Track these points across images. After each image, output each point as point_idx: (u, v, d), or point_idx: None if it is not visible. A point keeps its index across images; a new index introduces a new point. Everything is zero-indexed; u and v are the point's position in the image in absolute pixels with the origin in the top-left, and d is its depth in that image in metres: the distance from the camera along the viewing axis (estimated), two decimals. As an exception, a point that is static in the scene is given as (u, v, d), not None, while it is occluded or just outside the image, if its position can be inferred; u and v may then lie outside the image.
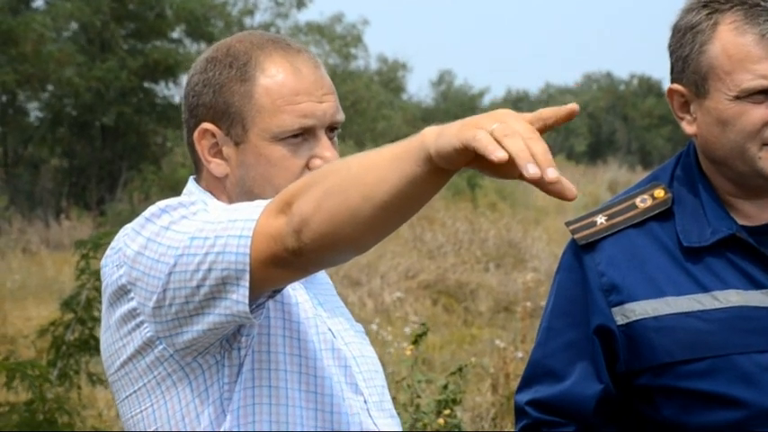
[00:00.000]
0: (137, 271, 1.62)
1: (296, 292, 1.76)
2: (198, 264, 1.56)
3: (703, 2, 1.95)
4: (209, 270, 1.55)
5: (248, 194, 1.73)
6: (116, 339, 1.68)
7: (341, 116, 1.76)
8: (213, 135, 1.75)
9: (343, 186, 1.45)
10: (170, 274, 1.58)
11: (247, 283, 1.53)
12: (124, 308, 1.66)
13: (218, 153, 1.76)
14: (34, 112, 20.60)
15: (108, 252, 1.69)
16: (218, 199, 1.77)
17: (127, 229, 1.68)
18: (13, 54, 17.69)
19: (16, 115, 19.88)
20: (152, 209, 1.66)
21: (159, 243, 1.61)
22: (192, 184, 1.82)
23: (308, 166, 1.72)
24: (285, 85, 1.73)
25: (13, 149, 20.06)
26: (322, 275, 1.88)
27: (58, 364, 5.47)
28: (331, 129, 1.75)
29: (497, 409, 6.79)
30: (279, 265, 1.52)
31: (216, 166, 1.76)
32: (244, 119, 1.73)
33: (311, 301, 1.78)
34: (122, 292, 1.65)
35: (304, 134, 1.73)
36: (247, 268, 1.52)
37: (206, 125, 1.75)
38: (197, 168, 1.82)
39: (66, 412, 5.04)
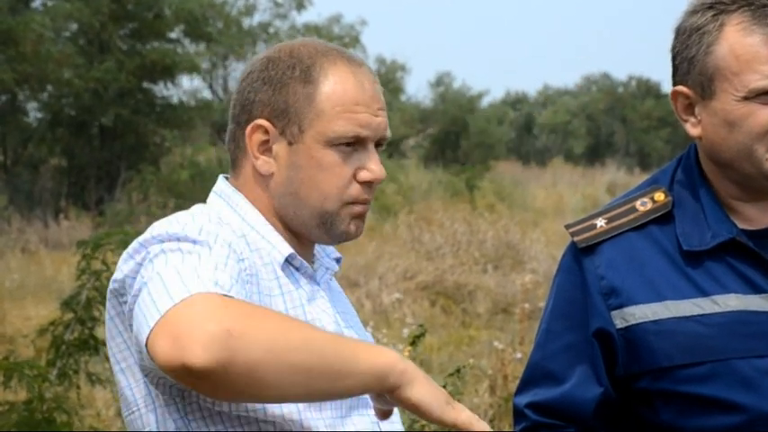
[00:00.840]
0: (128, 295, 1.65)
1: (320, 301, 1.79)
2: (138, 311, 1.58)
3: (708, 3, 1.94)
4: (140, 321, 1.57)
5: (293, 195, 1.76)
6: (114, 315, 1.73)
7: (389, 133, 1.81)
8: (266, 132, 1.76)
9: (291, 360, 1.47)
10: (133, 302, 1.61)
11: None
12: (122, 306, 1.69)
13: (267, 150, 1.77)
14: (33, 112, 20.60)
15: (126, 256, 1.68)
16: (252, 198, 1.79)
17: (138, 252, 1.66)
18: (12, 54, 17.67)
19: (15, 115, 19.86)
20: (146, 235, 1.66)
21: (147, 297, 1.57)
22: (222, 183, 1.82)
23: (354, 177, 1.76)
24: (347, 93, 1.76)
25: (13, 149, 20.05)
26: (337, 284, 1.92)
27: (58, 364, 5.48)
28: (378, 144, 1.80)
29: (495, 411, 6.79)
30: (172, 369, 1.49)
31: (263, 163, 1.77)
32: (301, 120, 1.75)
33: (332, 309, 1.81)
34: (116, 294, 1.70)
35: (356, 144, 1.76)
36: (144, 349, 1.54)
37: (261, 121, 1.76)
38: (234, 165, 1.82)
39: (65, 412, 5.04)
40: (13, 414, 5.06)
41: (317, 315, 1.76)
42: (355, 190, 1.78)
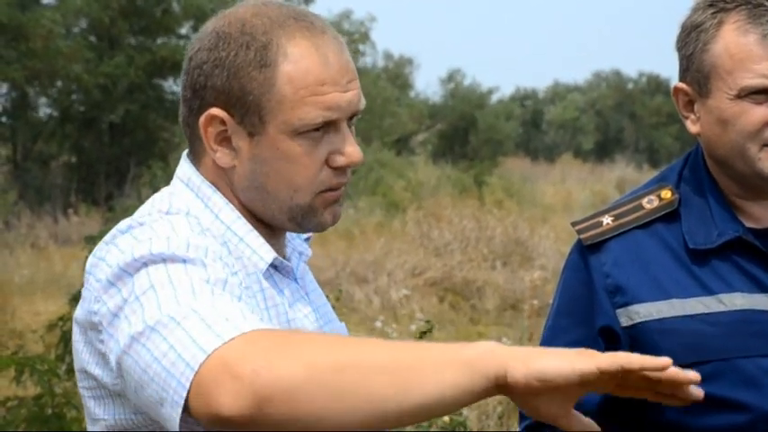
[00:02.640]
0: (107, 333, 1.46)
1: (300, 303, 1.65)
2: (145, 366, 1.37)
3: (709, 1, 1.95)
4: (152, 379, 1.36)
5: (259, 189, 1.59)
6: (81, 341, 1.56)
7: (363, 103, 1.61)
8: (223, 122, 1.56)
9: (358, 386, 1.26)
10: (123, 353, 1.41)
11: (178, 415, 1.34)
12: (96, 343, 1.51)
13: (225, 141, 1.58)
14: (43, 108, 20.65)
15: (91, 269, 1.51)
16: (220, 191, 1.61)
17: (104, 259, 1.49)
18: (23, 50, 17.72)
19: (25, 111, 19.91)
20: (126, 256, 1.45)
21: (129, 314, 1.41)
22: (188, 168, 1.63)
23: (327, 163, 1.58)
24: (310, 73, 1.55)
25: (23, 145, 20.10)
26: (306, 271, 1.75)
27: (67, 359, 5.49)
28: (351, 117, 1.60)
29: (504, 408, 6.79)
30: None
31: (222, 156, 1.58)
32: (261, 109, 1.55)
33: (315, 314, 1.68)
34: (95, 328, 1.50)
35: (326, 127, 1.57)
36: (182, 402, 1.32)
37: (215, 111, 1.56)
38: (193, 151, 1.63)
39: (75, 407, 5.06)
40: (23, 409, 5.08)
41: (298, 320, 1.62)
42: (327, 176, 1.59)
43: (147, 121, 19.85)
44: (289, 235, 1.71)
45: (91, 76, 18.45)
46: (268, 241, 1.62)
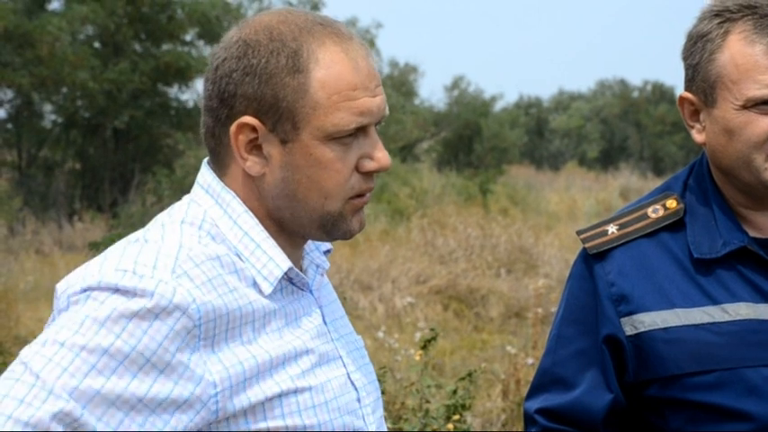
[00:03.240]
0: None
1: (313, 316, 1.64)
2: None
3: (715, 11, 1.95)
4: None
5: (289, 197, 1.58)
6: None
7: (387, 110, 1.62)
8: (254, 130, 1.55)
9: None
10: None
11: None
12: None
13: (255, 149, 1.57)
14: (48, 114, 20.68)
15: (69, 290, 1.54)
16: (247, 201, 1.60)
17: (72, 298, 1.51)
18: (29, 57, 17.76)
19: (31, 118, 19.95)
20: (80, 282, 1.50)
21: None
22: (209, 175, 1.62)
23: (357, 168, 1.58)
24: (342, 78, 1.55)
25: (27, 152, 20.13)
26: (324, 284, 1.75)
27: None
28: (377, 123, 1.61)
29: (508, 415, 6.78)
30: None
31: (252, 165, 1.57)
32: (295, 116, 1.54)
33: (326, 327, 1.67)
34: None
35: (357, 132, 1.57)
36: None
37: (247, 119, 1.55)
38: (218, 162, 1.62)
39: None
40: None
41: (299, 335, 1.60)
42: (357, 182, 1.59)
43: (151, 127, 19.88)
44: (307, 247, 1.71)
45: (96, 82, 18.48)
46: (288, 252, 1.62)
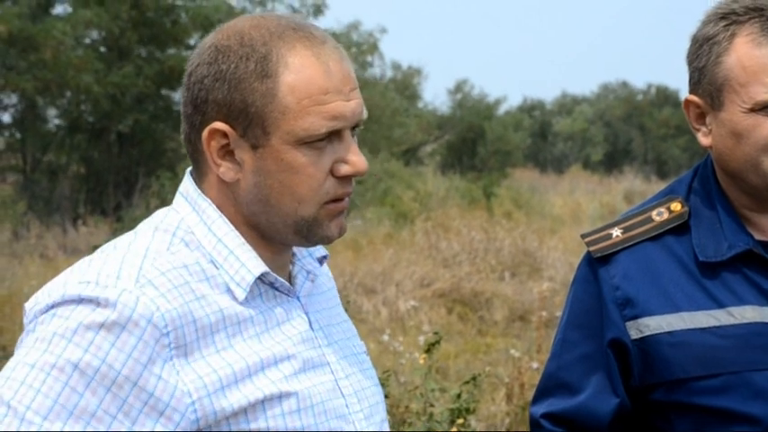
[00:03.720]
0: None
1: (294, 322, 1.61)
2: None
3: (721, 13, 1.94)
4: None
5: (264, 203, 1.57)
6: None
7: (365, 113, 1.60)
8: (225, 136, 1.55)
9: None
10: None
11: None
12: None
13: (228, 155, 1.56)
14: (52, 119, 20.70)
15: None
16: (219, 204, 1.59)
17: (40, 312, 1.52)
18: (33, 60, 17.79)
19: (35, 122, 19.98)
20: (49, 296, 1.51)
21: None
22: (189, 183, 1.62)
23: (332, 172, 1.57)
24: (312, 82, 1.54)
25: (32, 156, 20.16)
26: (326, 280, 1.74)
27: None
28: (354, 127, 1.59)
29: (512, 419, 6.77)
30: None
31: (226, 171, 1.57)
32: (264, 120, 1.53)
33: (313, 333, 1.64)
34: None
35: (330, 136, 1.55)
36: None
37: (217, 125, 1.55)
38: (196, 168, 1.62)
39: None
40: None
41: (280, 341, 1.58)
42: (332, 186, 1.57)
43: (155, 131, 19.90)
44: (299, 253, 1.70)
45: (100, 86, 18.50)
46: (269, 257, 1.61)
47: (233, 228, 1.59)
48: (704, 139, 1.98)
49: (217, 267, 1.57)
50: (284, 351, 1.58)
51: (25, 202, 17.53)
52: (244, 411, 1.52)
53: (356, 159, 1.58)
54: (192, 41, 20.90)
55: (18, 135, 20.05)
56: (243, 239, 1.59)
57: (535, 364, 6.97)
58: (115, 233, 14.66)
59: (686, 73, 2.02)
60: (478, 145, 30.98)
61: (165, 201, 18.13)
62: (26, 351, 1.46)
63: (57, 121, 20.63)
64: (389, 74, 30.74)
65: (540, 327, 7.84)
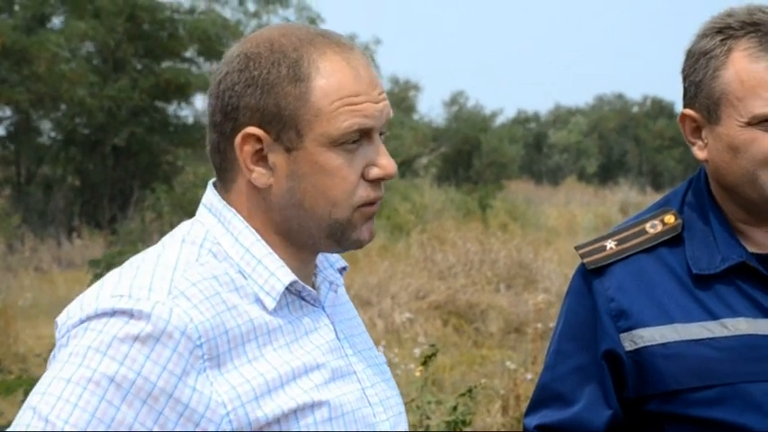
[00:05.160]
0: None
1: (321, 331, 1.62)
2: None
3: (717, 27, 1.94)
4: None
5: (297, 207, 1.58)
6: None
7: (392, 114, 1.63)
8: (259, 140, 1.56)
9: None
10: None
11: None
12: None
13: (261, 160, 1.57)
14: (47, 131, 20.70)
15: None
16: (247, 214, 1.59)
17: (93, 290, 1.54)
18: (27, 73, 17.79)
19: (29, 135, 19.97)
20: (80, 312, 1.51)
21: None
22: (212, 195, 1.62)
23: (363, 175, 1.58)
24: (344, 85, 1.56)
25: (26, 169, 20.15)
26: (343, 294, 1.75)
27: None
28: (381, 132, 1.62)
29: (507, 431, 6.77)
30: None
31: (259, 176, 1.57)
32: (298, 123, 1.55)
33: (338, 343, 1.65)
34: None
35: (361, 138, 1.57)
36: None
37: (251, 129, 1.55)
38: (223, 178, 1.62)
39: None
40: None
41: (309, 350, 1.59)
42: (365, 190, 1.59)
43: (150, 144, 19.90)
44: (320, 264, 1.71)
45: (95, 99, 18.52)
46: (296, 265, 1.61)
47: (260, 237, 1.59)
48: (700, 153, 1.97)
49: (245, 278, 1.57)
50: (314, 360, 1.58)
51: (20, 215, 17.52)
52: (277, 421, 1.52)
53: (386, 162, 1.60)
54: (187, 54, 20.92)
55: (12, 148, 20.04)
56: (270, 249, 1.59)
57: (530, 376, 6.97)
58: (110, 246, 14.65)
59: (681, 85, 2.02)
60: (474, 157, 31.03)
61: (161, 213, 18.16)
62: (61, 365, 1.46)
63: (51, 134, 20.64)
64: (387, 87, 30.79)
65: (536, 338, 7.84)
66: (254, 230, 1.59)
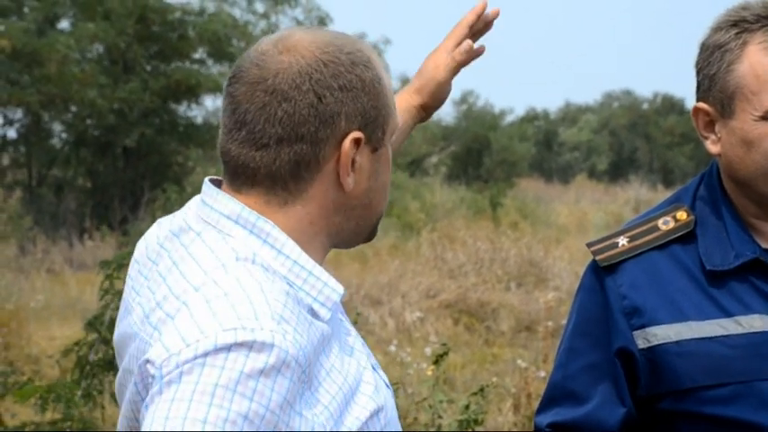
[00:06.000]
0: (144, 406, 1.48)
1: (351, 331, 1.63)
2: None
3: (732, 21, 1.93)
4: None
5: (367, 206, 1.60)
6: None
7: None
8: (357, 143, 1.55)
9: None
10: None
11: None
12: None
13: (353, 164, 1.56)
14: (58, 133, 20.75)
15: (159, 320, 1.51)
16: (314, 223, 1.57)
17: (173, 318, 1.47)
18: (38, 75, 17.83)
19: (40, 136, 20.02)
20: (194, 345, 1.41)
21: (155, 410, 1.41)
22: (235, 205, 1.56)
23: None
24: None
25: (37, 170, 20.20)
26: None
27: (82, 384, 5.50)
28: None
29: (519, 429, 6.76)
30: None
31: (351, 180, 1.56)
32: (385, 122, 1.59)
33: (358, 335, 1.66)
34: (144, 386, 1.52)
35: None
36: None
37: (358, 134, 1.55)
38: (286, 188, 1.56)
39: (91, 432, 5.06)
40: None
41: (351, 353, 1.59)
42: None
43: (161, 145, 19.92)
44: None
45: (105, 100, 18.54)
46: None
47: (302, 250, 1.55)
48: (713, 147, 1.96)
49: (297, 290, 1.53)
50: (359, 364, 1.59)
51: (31, 217, 17.56)
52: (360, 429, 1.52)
53: None
54: (197, 55, 20.94)
55: (23, 150, 20.09)
56: (313, 261, 1.56)
57: (542, 374, 6.96)
58: (122, 247, 14.67)
59: (692, 80, 2.01)
60: (484, 155, 30.98)
61: (172, 214, 18.10)
62: (187, 405, 1.38)
63: (62, 136, 20.68)
64: (396, 86, 30.77)
65: (547, 336, 7.83)
66: (294, 242, 1.55)
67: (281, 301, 1.48)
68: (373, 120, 1.57)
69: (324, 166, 1.55)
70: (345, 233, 1.60)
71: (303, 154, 1.54)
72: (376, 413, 1.55)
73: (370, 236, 1.65)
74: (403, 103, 2.03)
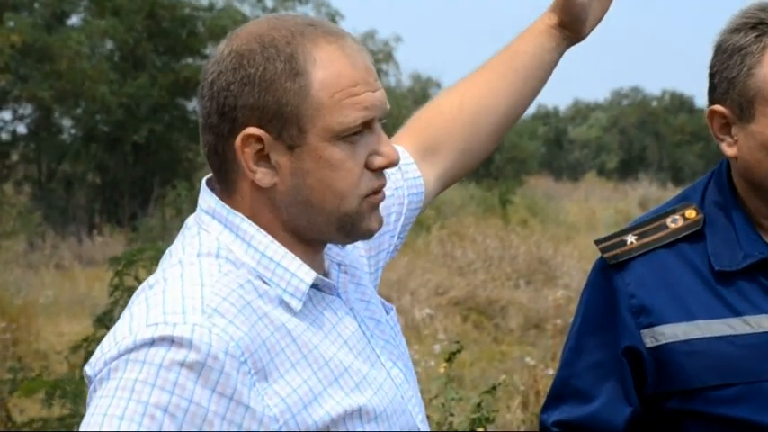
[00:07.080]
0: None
1: (345, 321, 1.60)
2: None
3: (751, 23, 1.91)
4: None
5: (304, 204, 1.54)
6: None
7: (388, 105, 1.59)
8: (259, 140, 1.51)
9: None
10: None
11: None
12: None
13: (263, 160, 1.53)
14: (68, 129, 20.79)
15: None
16: (252, 214, 1.55)
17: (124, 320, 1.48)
18: (48, 71, 17.87)
19: (50, 132, 20.06)
20: (122, 341, 1.44)
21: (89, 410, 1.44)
22: (210, 199, 1.58)
23: (367, 166, 1.55)
24: (342, 75, 1.52)
25: (47, 166, 20.24)
26: (349, 280, 1.69)
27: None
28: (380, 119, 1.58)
29: (527, 427, 6.76)
30: None
31: (262, 177, 1.53)
32: (300, 119, 1.51)
33: (359, 326, 1.62)
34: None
35: (362, 129, 1.54)
36: None
37: (251, 130, 1.51)
38: (223, 180, 1.57)
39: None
40: (49, 430, 5.10)
41: (339, 346, 1.57)
42: (368, 179, 1.56)
43: (170, 141, 19.95)
44: (324, 247, 1.66)
45: (115, 96, 18.57)
46: (308, 259, 1.58)
47: (272, 239, 1.56)
48: (729, 150, 1.94)
49: (266, 282, 1.53)
50: (347, 356, 1.57)
51: (41, 213, 17.59)
52: (326, 427, 1.50)
53: (388, 150, 1.57)
54: (207, 51, 20.95)
55: (33, 145, 20.13)
56: (285, 249, 1.56)
57: (551, 372, 6.96)
58: (131, 243, 14.69)
59: (702, 78, 1.99)
60: (493, 153, 30.95)
61: (181, 210, 18.16)
62: (108, 401, 1.40)
63: (72, 131, 20.71)
64: (408, 84, 30.80)
65: (556, 334, 7.83)
66: (265, 233, 1.55)
67: (221, 294, 1.48)
68: (276, 116, 1.51)
69: (236, 161, 1.54)
70: (306, 229, 1.57)
71: (214, 146, 1.55)
72: (355, 408, 1.52)
73: (345, 234, 1.58)
74: (540, 26, 1.98)
